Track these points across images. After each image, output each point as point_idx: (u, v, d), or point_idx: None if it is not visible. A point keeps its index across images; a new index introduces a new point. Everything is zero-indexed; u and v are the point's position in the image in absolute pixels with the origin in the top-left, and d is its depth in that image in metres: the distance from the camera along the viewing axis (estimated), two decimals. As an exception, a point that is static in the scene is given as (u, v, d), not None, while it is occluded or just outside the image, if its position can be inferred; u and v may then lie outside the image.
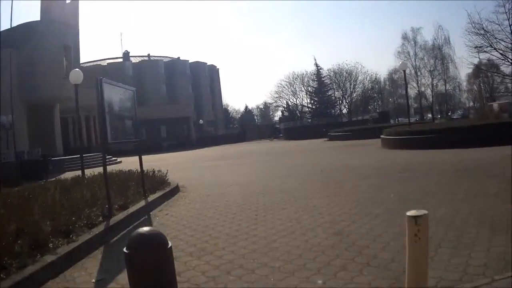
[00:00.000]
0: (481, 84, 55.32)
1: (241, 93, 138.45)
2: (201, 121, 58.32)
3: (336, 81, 62.49)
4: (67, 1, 26.74)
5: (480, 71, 46.27)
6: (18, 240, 4.15)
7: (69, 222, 5.22)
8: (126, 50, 60.32)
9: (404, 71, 24.98)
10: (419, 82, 52.06)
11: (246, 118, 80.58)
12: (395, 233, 4.20)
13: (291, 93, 65.52)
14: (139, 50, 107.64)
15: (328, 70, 63.91)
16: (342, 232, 4.55)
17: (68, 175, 12.74)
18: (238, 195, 7.87)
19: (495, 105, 29.86)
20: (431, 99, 54.39)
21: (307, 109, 66.24)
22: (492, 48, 31.10)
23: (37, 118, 25.15)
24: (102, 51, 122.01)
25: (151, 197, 7.56)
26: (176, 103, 57.61)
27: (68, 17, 25.99)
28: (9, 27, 24.94)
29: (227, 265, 3.82)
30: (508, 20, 30.27)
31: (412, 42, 52.22)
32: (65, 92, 22.29)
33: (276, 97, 66.85)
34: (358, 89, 62.47)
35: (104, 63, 58.59)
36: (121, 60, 59.74)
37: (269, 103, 73.96)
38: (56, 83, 23.19)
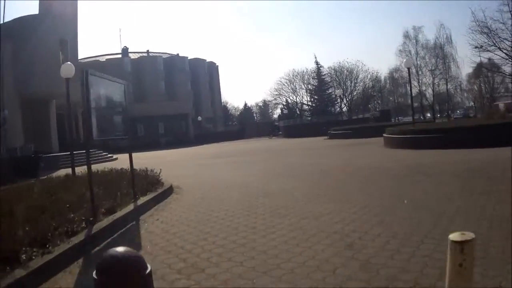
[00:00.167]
0: (481, 84, 54.78)
1: (240, 91, 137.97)
2: (199, 118, 57.73)
3: (337, 79, 61.80)
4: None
5: (481, 71, 45.69)
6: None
7: (48, 229, 4.71)
8: (125, 46, 59.79)
9: (409, 68, 24.45)
10: (420, 81, 51.49)
11: (245, 115, 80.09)
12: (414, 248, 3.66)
13: (291, 90, 64.83)
14: (138, 46, 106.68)
15: (328, 68, 63.30)
16: (354, 246, 4.02)
17: (62, 172, 12.28)
18: (235, 199, 7.31)
19: (501, 105, 29.37)
20: (431, 99, 53.77)
21: (307, 107, 65.62)
22: (496, 47, 30.63)
23: (32, 114, 24.52)
24: (101, 47, 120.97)
25: (142, 200, 7.02)
26: (175, 99, 57.09)
27: (67, 12, 25.49)
28: (6, 20, 24.42)
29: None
30: (512, 18, 29.73)
31: (414, 41, 51.41)
32: (61, 88, 21.69)
33: (276, 94, 66.19)
34: (359, 87, 61.92)
35: (103, 59, 57.98)
36: (119, 56, 59.02)
37: (269, 101, 73.25)
38: (51, 78, 22.54)
